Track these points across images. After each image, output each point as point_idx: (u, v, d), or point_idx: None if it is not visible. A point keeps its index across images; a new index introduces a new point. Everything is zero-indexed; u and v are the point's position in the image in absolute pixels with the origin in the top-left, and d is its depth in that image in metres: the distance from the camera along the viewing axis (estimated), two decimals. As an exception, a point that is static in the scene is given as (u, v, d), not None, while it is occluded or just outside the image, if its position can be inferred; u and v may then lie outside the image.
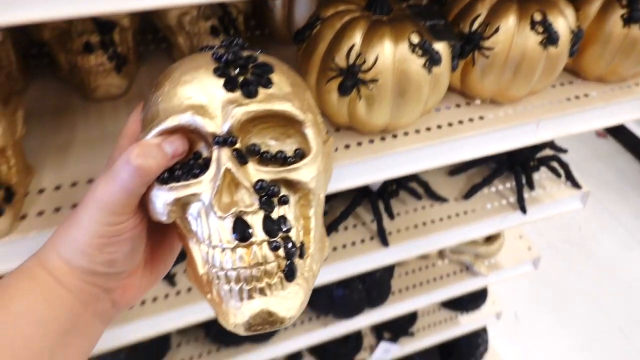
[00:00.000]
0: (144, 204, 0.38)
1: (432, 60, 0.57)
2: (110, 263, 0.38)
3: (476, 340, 1.41)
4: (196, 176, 0.37)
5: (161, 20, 0.69)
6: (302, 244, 0.39)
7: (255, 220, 0.36)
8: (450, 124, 0.69)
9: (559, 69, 0.68)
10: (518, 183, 0.92)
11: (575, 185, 0.98)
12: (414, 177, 0.93)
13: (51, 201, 0.55)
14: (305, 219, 0.40)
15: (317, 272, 0.41)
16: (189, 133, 0.37)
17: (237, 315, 0.36)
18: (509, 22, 0.63)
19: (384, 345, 1.25)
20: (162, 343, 0.97)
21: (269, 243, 0.36)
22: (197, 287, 0.39)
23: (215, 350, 0.99)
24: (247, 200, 0.35)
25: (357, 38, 0.57)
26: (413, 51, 0.57)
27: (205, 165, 0.37)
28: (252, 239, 0.35)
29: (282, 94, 0.37)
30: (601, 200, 2.38)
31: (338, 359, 1.22)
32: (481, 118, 0.71)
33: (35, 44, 0.71)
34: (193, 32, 0.68)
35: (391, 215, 0.88)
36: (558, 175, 0.97)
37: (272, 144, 0.38)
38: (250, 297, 0.36)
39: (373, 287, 0.97)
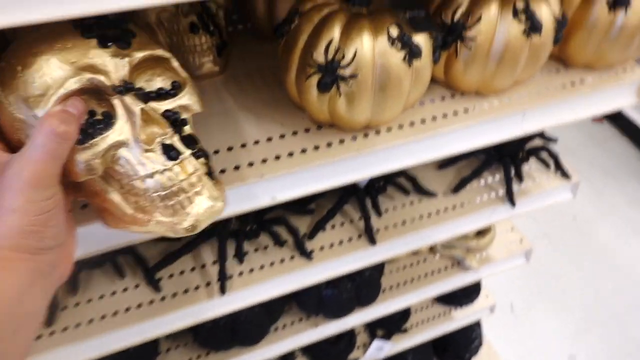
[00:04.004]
0: (66, 170, 0.41)
1: (412, 53, 0.56)
2: (56, 236, 0.41)
3: (470, 335, 1.40)
4: (102, 130, 0.42)
5: (140, 19, 0.67)
6: None
7: (175, 142, 0.44)
8: (434, 118, 0.68)
9: (543, 58, 0.67)
10: (507, 176, 0.91)
11: (565, 175, 0.96)
12: (402, 172, 0.91)
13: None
14: None
15: None
16: (80, 94, 0.42)
17: (188, 218, 0.44)
18: (491, 11, 0.61)
19: (377, 343, 1.23)
20: (150, 349, 0.95)
21: (194, 154, 0.45)
22: (129, 228, 0.46)
23: (204, 355, 0.98)
24: (163, 130, 0.43)
25: (335, 32, 0.55)
26: (392, 44, 0.55)
27: (105, 119, 0.43)
28: (182, 156, 0.44)
29: (146, 40, 0.46)
30: (597, 187, 2.37)
31: (331, 359, 1.20)
32: (466, 111, 0.69)
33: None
34: (173, 30, 0.66)
35: (379, 212, 0.87)
36: (547, 165, 0.96)
37: (150, 84, 0.45)
38: (192, 201, 0.45)
39: (363, 285, 0.95)
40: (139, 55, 0.44)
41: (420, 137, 0.65)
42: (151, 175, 0.42)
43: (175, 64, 0.47)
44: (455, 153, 0.70)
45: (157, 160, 0.42)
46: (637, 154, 2.52)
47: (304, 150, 0.62)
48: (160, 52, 0.45)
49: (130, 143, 0.42)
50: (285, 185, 0.62)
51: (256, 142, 0.63)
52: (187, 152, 0.44)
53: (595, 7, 0.69)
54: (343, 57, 0.55)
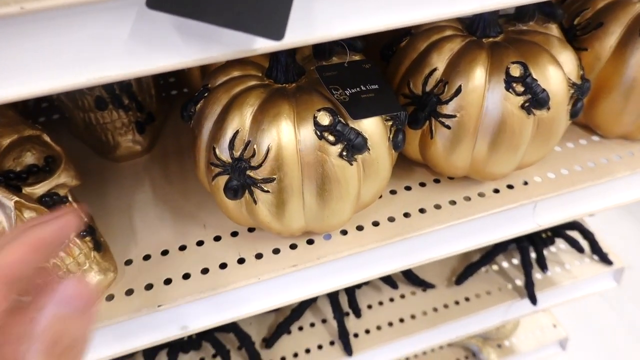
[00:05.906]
0: None
1: (352, 147, 0.40)
2: None
3: None
4: None
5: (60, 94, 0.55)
6: None
7: None
8: (407, 215, 0.51)
9: (556, 136, 0.49)
10: (525, 264, 0.72)
11: (605, 260, 0.76)
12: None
13: None
14: None
15: None
16: None
17: None
18: (476, 78, 0.45)
19: None
20: None
21: (79, 235, 0.42)
22: None
23: None
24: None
25: (245, 119, 0.40)
26: (321, 137, 0.39)
27: None
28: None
29: (12, 118, 0.42)
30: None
31: None
32: (453, 202, 0.52)
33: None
34: (78, 107, 0.54)
35: (357, 312, 0.70)
36: (580, 250, 0.76)
37: (19, 162, 0.42)
38: (85, 277, 0.43)
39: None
40: (6, 141, 0.41)
41: (387, 242, 0.49)
42: None
43: (46, 138, 0.43)
44: (435, 258, 0.53)
45: None
46: None
47: (223, 266, 0.47)
48: (28, 131, 0.42)
49: None
50: (200, 311, 0.47)
51: (164, 253, 0.48)
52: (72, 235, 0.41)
53: (632, 62, 0.50)
54: (253, 154, 0.40)
